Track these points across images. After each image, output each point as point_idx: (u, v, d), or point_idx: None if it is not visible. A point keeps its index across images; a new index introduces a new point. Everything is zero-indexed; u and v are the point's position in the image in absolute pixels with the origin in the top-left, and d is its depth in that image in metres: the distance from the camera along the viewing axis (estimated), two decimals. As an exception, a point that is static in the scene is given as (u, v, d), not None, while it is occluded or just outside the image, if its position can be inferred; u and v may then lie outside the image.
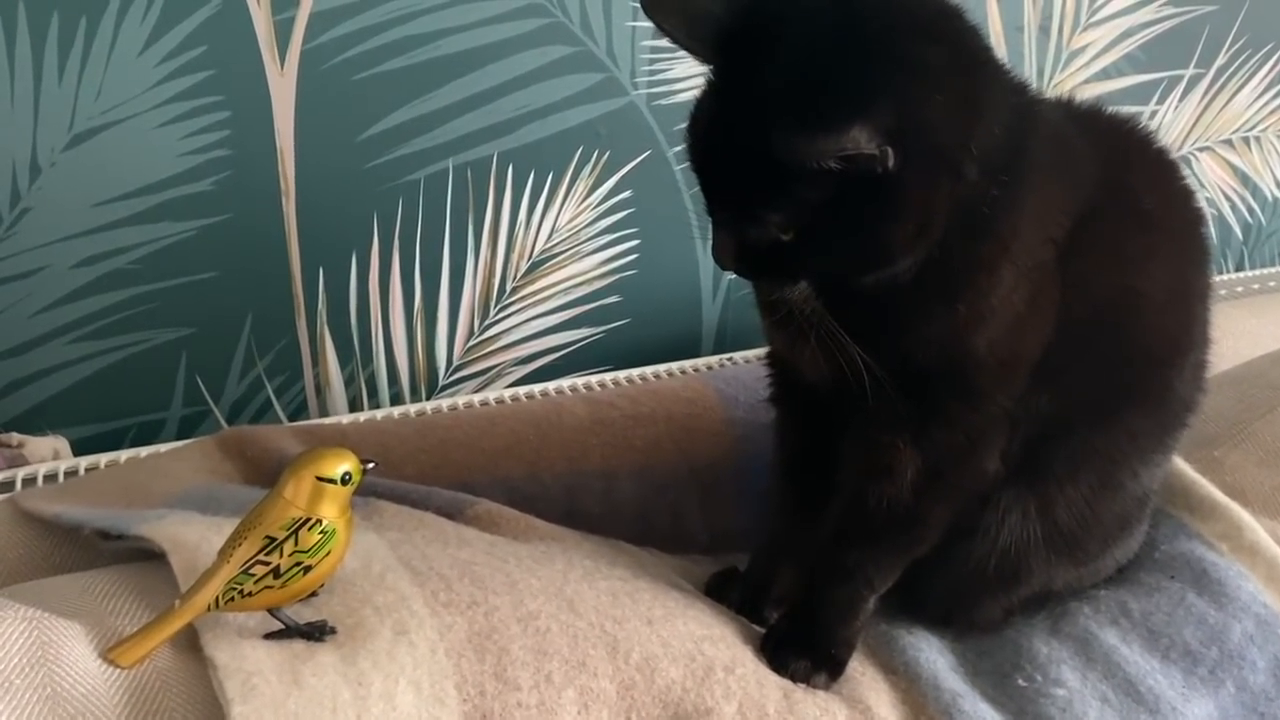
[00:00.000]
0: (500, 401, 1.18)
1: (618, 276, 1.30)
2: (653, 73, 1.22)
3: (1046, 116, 0.79)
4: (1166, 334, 0.85)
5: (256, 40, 1.05)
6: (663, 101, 1.23)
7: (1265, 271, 1.62)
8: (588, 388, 1.23)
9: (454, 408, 1.15)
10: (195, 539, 0.75)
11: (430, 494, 0.92)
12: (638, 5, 1.18)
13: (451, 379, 1.28)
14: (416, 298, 1.22)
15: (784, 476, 0.92)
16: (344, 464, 0.70)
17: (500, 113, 1.17)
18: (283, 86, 1.08)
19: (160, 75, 1.03)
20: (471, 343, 1.27)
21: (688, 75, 1.23)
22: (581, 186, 1.24)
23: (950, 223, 0.71)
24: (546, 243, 1.25)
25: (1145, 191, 0.84)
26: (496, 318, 1.27)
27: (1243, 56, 1.56)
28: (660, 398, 1.11)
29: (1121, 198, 0.82)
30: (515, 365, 1.30)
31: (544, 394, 1.19)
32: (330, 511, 0.69)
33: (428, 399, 1.26)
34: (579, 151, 1.22)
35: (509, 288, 1.26)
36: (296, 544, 0.68)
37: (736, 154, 0.69)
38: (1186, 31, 1.50)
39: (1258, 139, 1.62)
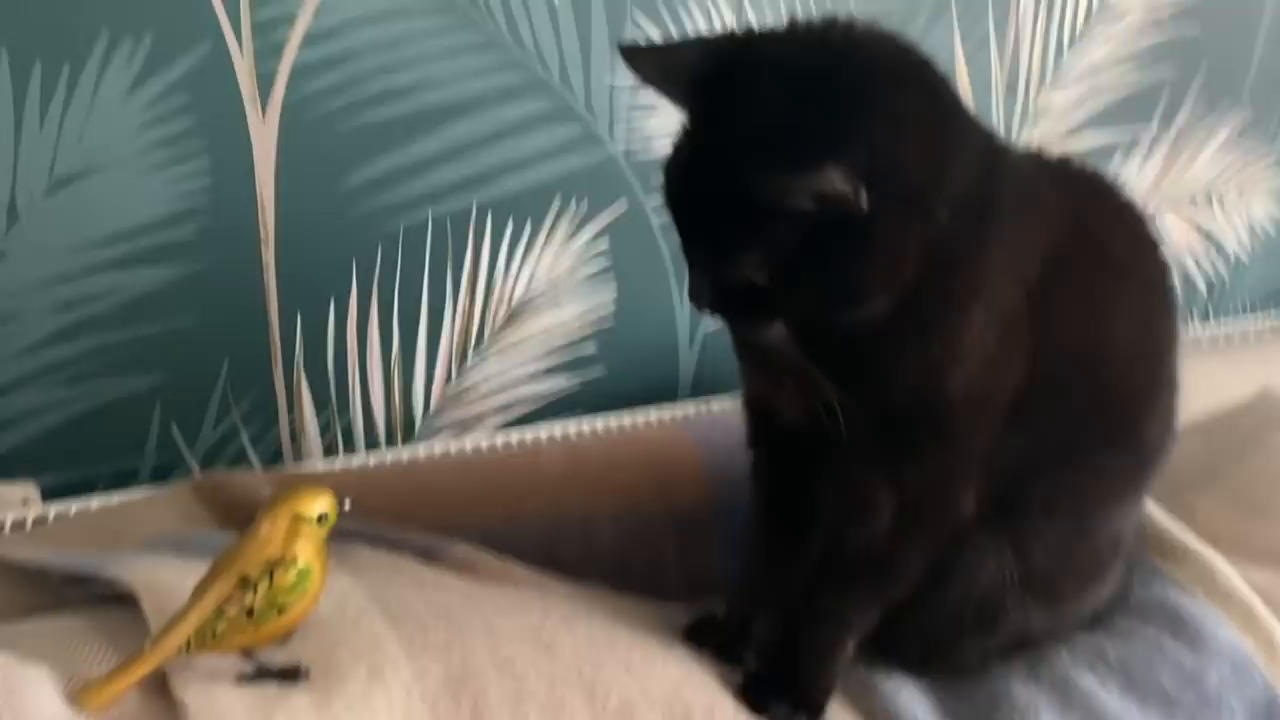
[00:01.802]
0: (477, 450, 1.17)
1: (596, 326, 1.31)
2: (630, 126, 1.24)
3: (1015, 163, 0.81)
4: (1135, 379, 0.86)
5: (239, 90, 1.07)
6: (640, 155, 1.25)
7: (1228, 328, 1.65)
8: (565, 436, 1.23)
9: (430, 455, 1.15)
10: (168, 581, 0.74)
11: (407, 537, 0.91)
12: (617, 60, 1.21)
13: (428, 426, 1.27)
14: (394, 345, 1.22)
15: (762, 519, 0.92)
16: (321, 503, 0.70)
17: (480, 164, 1.19)
18: (264, 136, 1.09)
19: (142, 121, 1.04)
20: (449, 391, 1.27)
21: (665, 130, 1.25)
22: (560, 236, 1.25)
23: (923, 264, 0.72)
24: (525, 291, 1.26)
25: (1113, 239, 0.86)
26: (474, 365, 1.27)
27: (1204, 117, 1.60)
28: (638, 445, 1.12)
29: (1090, 244, 0.84)
30: (492, 413, 1.30)
31: (521, 443, 1.19)
32: (307, 551, 0.69)
33: (404, 445, 1.25)
34: (558, 201, 1.24)
35: (487, 335, 1.26)
36: (272, 584, 0.67)
37: (712, 196, 0.70)
38: (1148, 93, 1.54)
39: (1220, 198, 1.66)
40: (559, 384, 1.31)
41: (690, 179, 0.72)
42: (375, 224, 1.17)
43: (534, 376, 1.30)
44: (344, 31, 1.09)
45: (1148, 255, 0.88)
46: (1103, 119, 1.53)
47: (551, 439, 1.19)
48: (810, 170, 0.64)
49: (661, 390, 1.36)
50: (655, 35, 1.21)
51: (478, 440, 1.22)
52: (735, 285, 0.73)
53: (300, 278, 1.15)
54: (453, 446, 1.20)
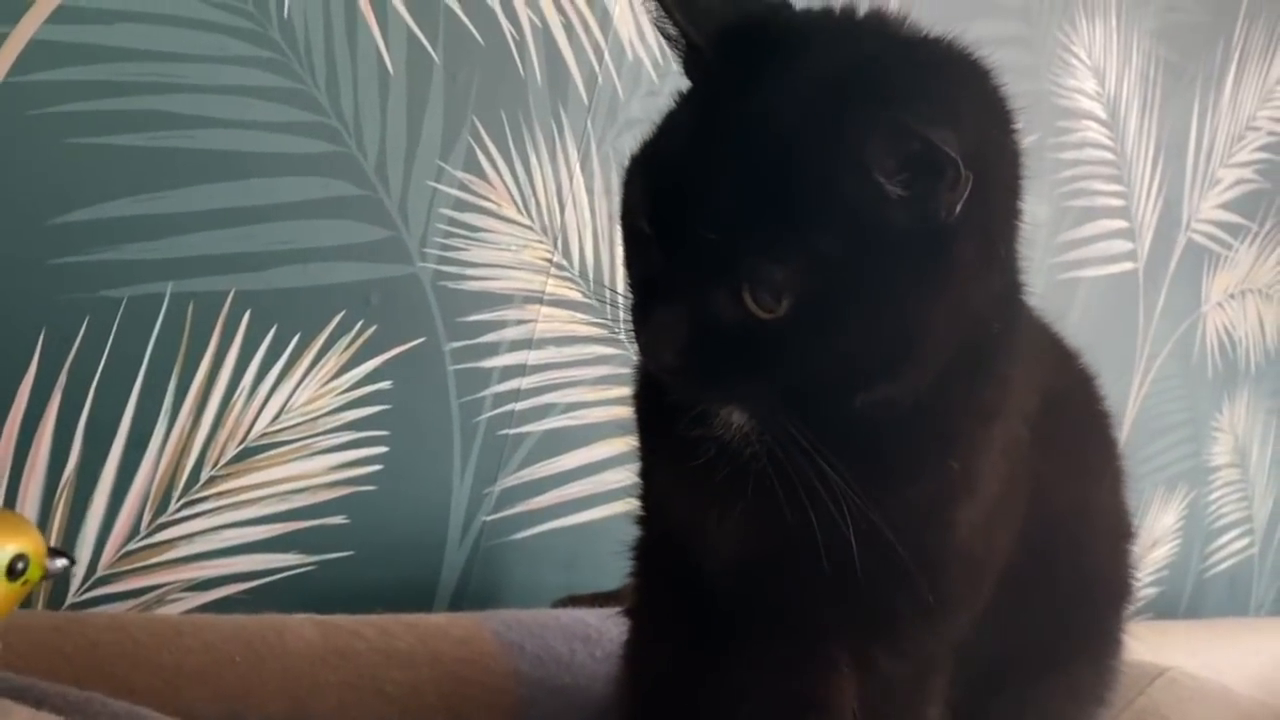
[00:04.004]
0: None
1: (350, 490, 1.00)
2: (445, 246, 1.01)
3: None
4: (1115, 565, 0.72)
5: (-60, 44, 0.75)
6: (449, 284, 1.02)
7: None
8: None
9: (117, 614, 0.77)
10: None
11: (89, 701, 0.55)
12: (442, 163, 1.00)
13: (84, 596, 0.88)
14: (70, 464, 0.85)
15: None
16: (12, 539, 0.37)
17: (251, 241, 0.90)
18: (-40, 118, 0.76)
19: None
20: (131, 546, 0.89)
21: (484, 262, 1.03)
22: (332, 362, 0.96)
23: (955, 352, 0.55)
24: (270, 425, 0.94)
25: (1090, 401, 0.73)
26: (176, 516, 0.91)
27: None
28: (420, 633, 0.81)
29: (1071, 398, 0.70)
30: (184, 591, 0.93)
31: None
32: (-28, 626, 0.35)
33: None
34: (339, 317, 0.96)
35: (204, 477, 0.92)
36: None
37: (742, 177, 0.50)
38: None
39: None
40: (288, 561, 0.97)
41: (704, 153, 0.51)
42: (88, 285, 0.84)
43: (256, 546, 0.96)
44: (114, 20, 0.82)
45: (1114, 434, 0.75)
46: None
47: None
48: (925, 122, 0.46)
49: (413, 593, 1.05)
50: (491, 147, 1.02)
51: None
52: (721, 326, 0.51)
53: (-46, 335, 0.79)
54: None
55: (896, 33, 0.55)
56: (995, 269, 0.55)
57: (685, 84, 0.58)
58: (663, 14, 0.53)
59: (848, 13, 0.55)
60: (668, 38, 0.55)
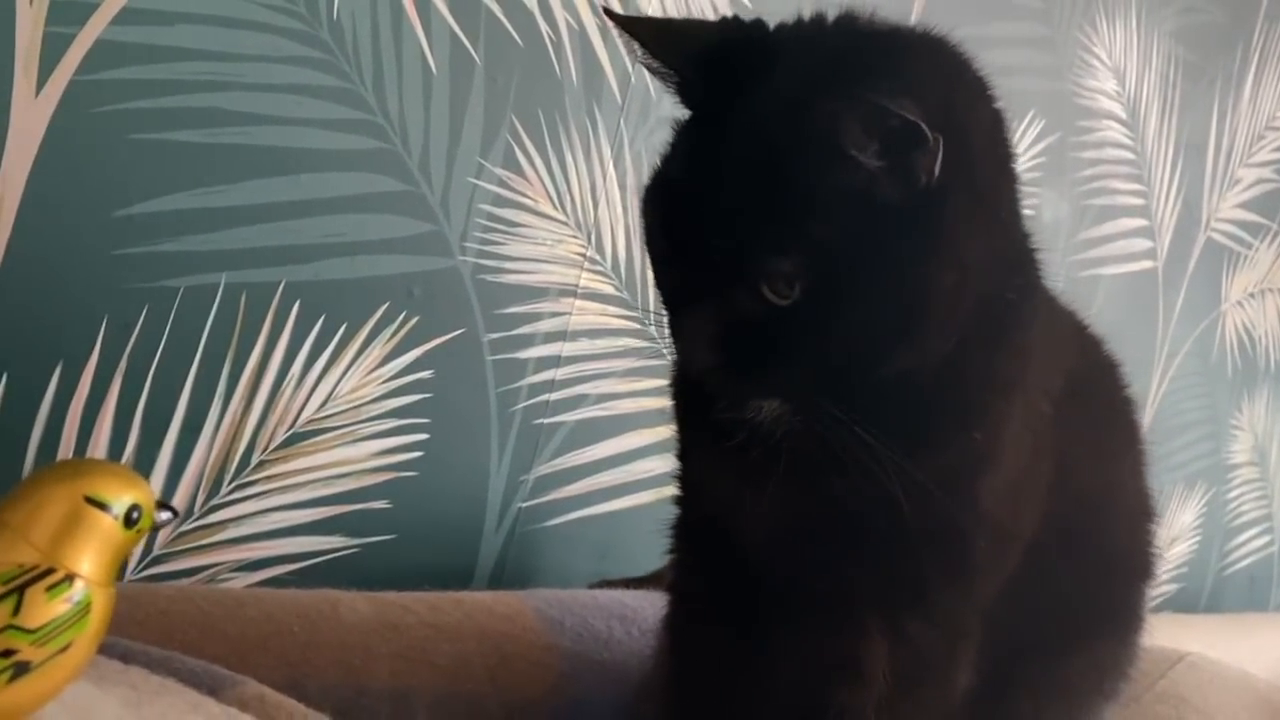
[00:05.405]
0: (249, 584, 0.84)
1: (393, 475, 1.03)
2: (484, 240, 1.04)
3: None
4: (1137, 543, 0.75)
5: (13, 45, 0.79)
6: (488, 277, 1.05)
7: None
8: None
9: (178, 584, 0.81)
10: None
11: (170, 658, 0.58)
12: (482, 160, 1.03)
13: (140, 574, 0.92)
14: (129, 446, 0.89)
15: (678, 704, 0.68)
16: (129, 490, 0.40)
17: (300, 234, 0.94)
18: (30, 116, 0.80)
19: None
20: (185, 527, 0.93)
21: (521, 256, 1.07)
22: (377, 352, 1.00)
23: (970, 322, 0.57)
24: (317, 412, 0.98)
25: (1114, 386, 0.76)
26: (227, 498, 0.95)
27: None
28: (467, 609, 0.85)
29: (1095, 381, 0.73)
30: (234, 571, 0.96)
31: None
32: (93, 567, 0.38)
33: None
34: (383, 308, 1.00)
35: (254, 461, 0.96)
36: (18, 612, 0.36)
37: (737, 182, 0.54)
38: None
39: None
40: (333, 544, 1.01)
41: (703, 170, 0.55)
42: (148, 275, 0.87)
43: (303, 528, 0.99)
44: (174, 20, 0.85)
45: (1137, 419, 0.77)
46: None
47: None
48: (884, 95, 0.50)
49: (453, 575, 1.08)
50: (529, 145, 1.05)
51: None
52: (747, 320, 0.54)
53: (23, 323, 0.83)
54: (188, 593, 0.86)
55: (862, 28, 0.58)
56: (993, 227, 0.57)
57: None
58: (645, 53, 0.57)
59: (817, 19, 0.58)
60: (656, 74, 0.58)
